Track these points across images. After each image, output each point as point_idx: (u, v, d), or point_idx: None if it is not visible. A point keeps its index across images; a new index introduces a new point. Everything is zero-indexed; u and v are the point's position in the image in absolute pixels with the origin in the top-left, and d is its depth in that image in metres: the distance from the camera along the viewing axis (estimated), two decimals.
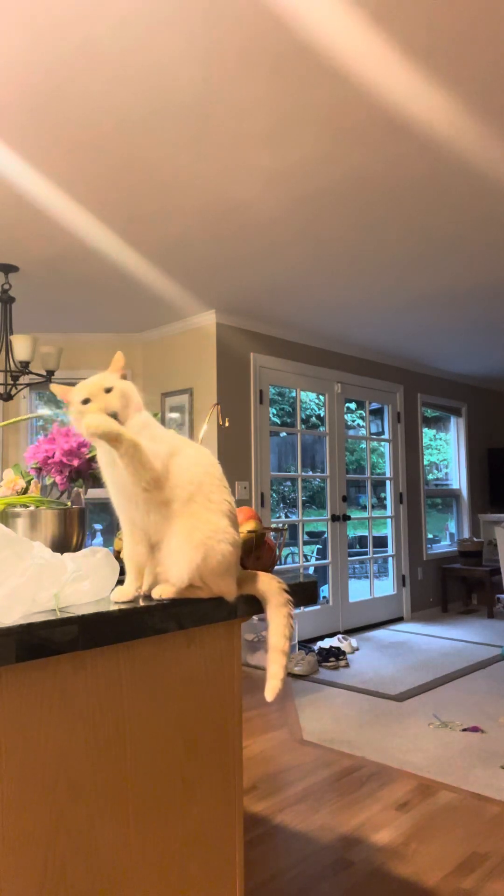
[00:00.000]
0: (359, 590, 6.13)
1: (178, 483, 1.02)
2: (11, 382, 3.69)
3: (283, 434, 5.57)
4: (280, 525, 5.22)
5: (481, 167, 2.58)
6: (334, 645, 4.70)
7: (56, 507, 1.20)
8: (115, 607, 0.94)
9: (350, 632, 5.41)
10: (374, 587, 5.84)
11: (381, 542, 6.40)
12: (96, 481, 1.34)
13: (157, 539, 1.03)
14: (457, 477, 6.98)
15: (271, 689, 1.05)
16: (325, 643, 4.75)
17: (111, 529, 4.87)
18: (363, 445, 5.99)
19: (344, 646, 4.75)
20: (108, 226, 3.08)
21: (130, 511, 1.03)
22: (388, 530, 6.13)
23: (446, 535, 7.13)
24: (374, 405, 6.09)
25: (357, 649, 4.84)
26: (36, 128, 2.29)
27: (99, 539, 4.98)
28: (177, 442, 1.06)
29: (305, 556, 7.12)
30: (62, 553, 1.03)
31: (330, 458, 5.45)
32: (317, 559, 7.49)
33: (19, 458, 4.75)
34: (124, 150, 2.44)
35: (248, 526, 1.21)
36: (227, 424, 4.51)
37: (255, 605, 1.12)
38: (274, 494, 5.35)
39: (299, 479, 5.21)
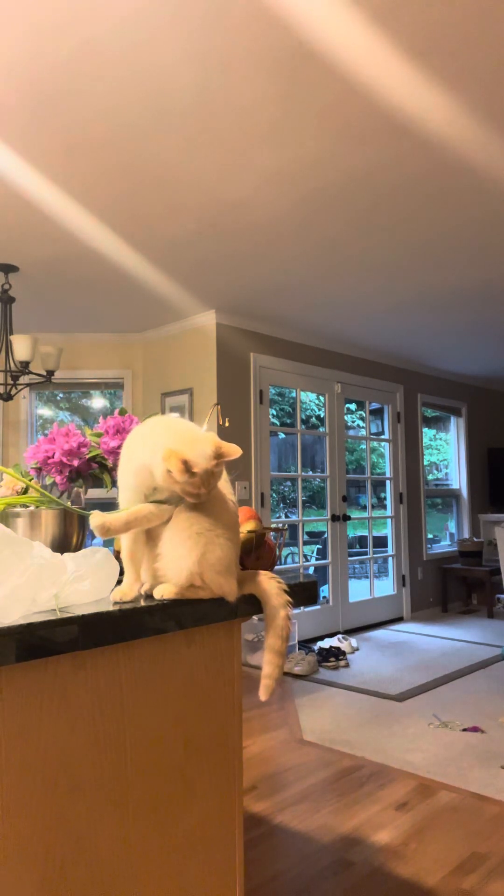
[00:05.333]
0: (359, 590, 6.13)
1: None
2: (11, 382, 3.70)
3: (282, 434, 5.57)
4: (280, 525, 5.22)
5: (481, 166, 2.58)
6: (334, 645, 4.70)
7: (56, 507, 1.20)
8: (115, 607, 0.94)
9: (350, 632, 5.41)
10: (374, 587, 5.84)
11: (381, 542, 6.40)
12: (96, 481, 1.34)
13: (157, 535, 1.03)
14: (457, 477, 6.97)
15: (265, 689, 1.06)
16: (325, 643, 4.75)
17: None
18: (363, 445, 5.99)
19: (344, 646, 4.74)
20: (108, 226, 3.08)
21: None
22: (388, 530, 6.12)
23: (446, 535, 7.13)
24: (374, 405, 6.09)
25: (357, 649, 4.84)
26: (36, 128, 2.29)
27: (99, 539, 4.97)
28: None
29: (305, 556, 7.12)
30: (62, 553, 1.03)
31: (330, 458, 5.45)
32: (317, 559, 7.49)
33: (19, 458, 4.75)
34: (124, 150, 2.44)
35: (248, 526, 1.21)
36: (227, 424, 4.51)
37: (255, 605, 1.12)
38: (274, 494, 5.35)
39: (299, 480, 5.20)
